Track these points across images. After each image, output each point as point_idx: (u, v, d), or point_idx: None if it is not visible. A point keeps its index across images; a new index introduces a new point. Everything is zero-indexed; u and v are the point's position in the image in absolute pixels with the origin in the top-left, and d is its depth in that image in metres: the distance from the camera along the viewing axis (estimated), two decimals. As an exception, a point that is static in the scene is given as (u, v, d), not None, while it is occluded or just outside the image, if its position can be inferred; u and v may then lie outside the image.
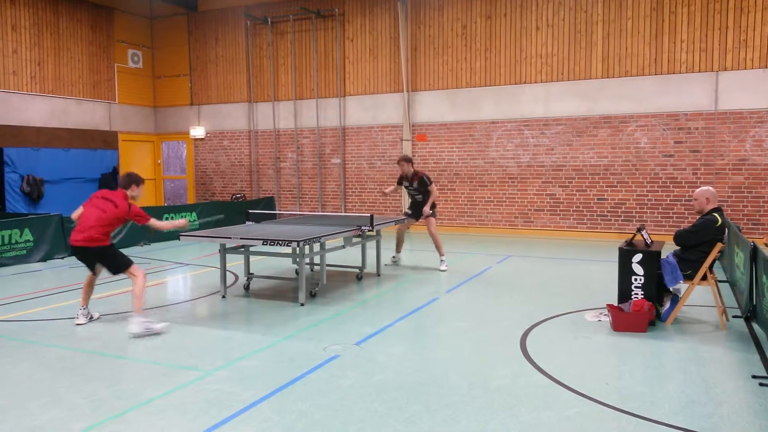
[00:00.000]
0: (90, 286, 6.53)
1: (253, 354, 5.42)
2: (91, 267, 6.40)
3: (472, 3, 14.23)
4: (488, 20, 14.11)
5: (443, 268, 9.52)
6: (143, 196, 17.15)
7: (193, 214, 14.00)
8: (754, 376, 4.76)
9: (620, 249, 6.44)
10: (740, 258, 6.14)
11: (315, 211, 15.92)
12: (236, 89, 17.19)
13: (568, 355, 5.40)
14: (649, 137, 12.87)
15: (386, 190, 10.21)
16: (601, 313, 6.66)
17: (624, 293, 6.36)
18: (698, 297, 7.04)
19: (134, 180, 6.51)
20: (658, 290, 6.34)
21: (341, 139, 15.88)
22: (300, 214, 12.78)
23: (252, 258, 8.63)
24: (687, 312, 6.74)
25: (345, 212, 15.55)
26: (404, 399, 4.38)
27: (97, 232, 6.14)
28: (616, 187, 13.21)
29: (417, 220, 9.77)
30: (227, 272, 7.95)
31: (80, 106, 15.99)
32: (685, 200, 12.51)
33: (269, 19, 16.39)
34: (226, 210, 14.64)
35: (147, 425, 4.00)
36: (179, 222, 6.72)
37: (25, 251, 10.46)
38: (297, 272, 8.00)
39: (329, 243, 7.93)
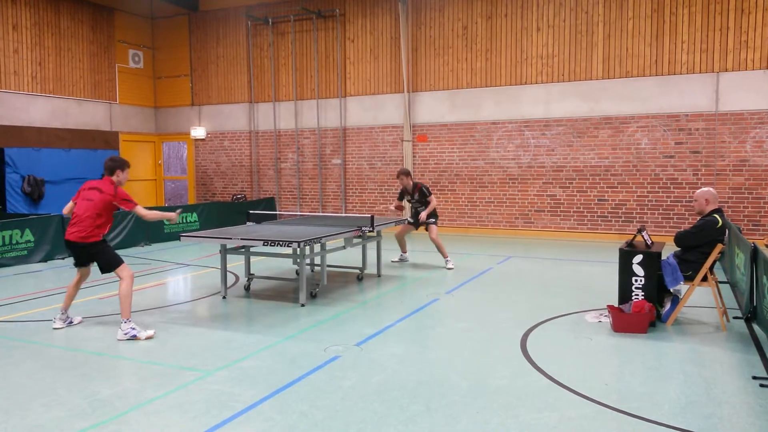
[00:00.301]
0: (75, 289, 6.40)
1: (253, 354, 5.43)
2: (82, 263, 6.30)
3: (473, 4, 14.23)
4: (489, 21, 14.11)
5: (450, 266, 9.67)
6: (144, 196, 17.31)
7: (194, 214, 14.01)
8: (754, 377, 4.76)
9: (621, 250, 6.45)
10: (741, 259, 6.14)
11: (315, 212, 15.93)
12: (237, 90, 17.20)
13: (569, 355, 5.41)
14: (649, 138, 12.87)
15: (392, 207, 10.21)
16: (601, 314, 6.67)
17: (624, 294, 6.36)
18: (698, 298, 7.05)
19: (119, 165, 6.19)
20: (658, 291, 6.34)
21: (342, 140, 15.89)
22: (300, 215, 12.78)
23: (252, 259, 8.65)
24: (687, 313, 6.74)
25: (345, 213, 15.56)
26: (405, 399, 4.39)
27: (89, 225, 6.02)
28: (617, 188, 13.21)
29: (417, 228, 9.98)
30: (228, 273, 7.95)
31: (81, 106, 16.00)
32: (686, 201, 12.51)
33: (270, 20, 16.40)
34: (226, 210, 14.69)
35: (148, 425, 4.00)
36: (169, 213, 6.54)
37: (25, 252, 10.47)
38: (297, 273, 7.99)
39: (330, 244, 7.95)
